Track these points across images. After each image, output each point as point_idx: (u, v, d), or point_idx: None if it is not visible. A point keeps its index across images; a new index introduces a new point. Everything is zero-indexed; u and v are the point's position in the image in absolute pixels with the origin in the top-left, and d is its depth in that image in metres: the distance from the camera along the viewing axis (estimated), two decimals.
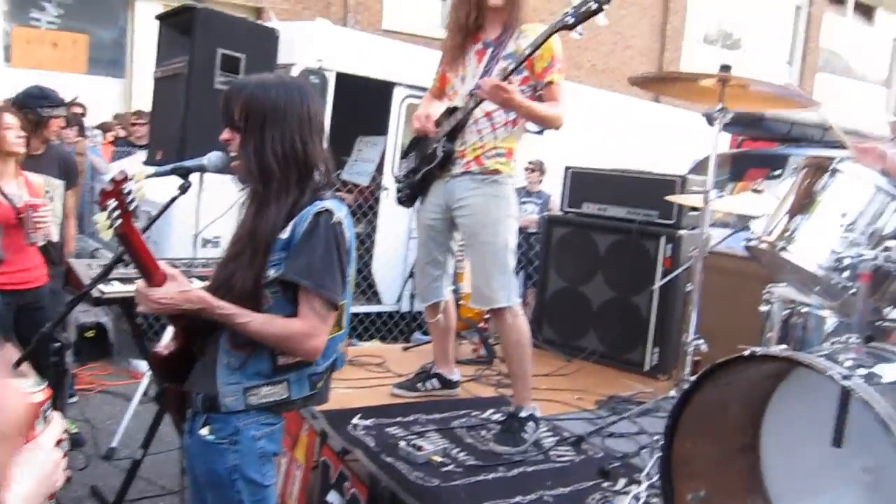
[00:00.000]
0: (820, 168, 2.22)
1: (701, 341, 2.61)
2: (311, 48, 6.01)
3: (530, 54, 2.91)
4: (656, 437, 2.93)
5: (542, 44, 2.89)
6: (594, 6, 2.73)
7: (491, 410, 3.39)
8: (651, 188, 4.39)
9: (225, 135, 1.97)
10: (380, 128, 6.96)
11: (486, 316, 4.48)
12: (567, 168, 4.75)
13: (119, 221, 1.74)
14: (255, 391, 1.93)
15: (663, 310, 4.22)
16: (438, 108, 3.35)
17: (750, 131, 7.04)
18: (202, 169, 2.04)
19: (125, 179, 1.72)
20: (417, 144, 3.35)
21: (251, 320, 1.87)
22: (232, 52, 4.37)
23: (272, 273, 1.89)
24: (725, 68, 2.58)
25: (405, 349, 4.53)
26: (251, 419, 1.92)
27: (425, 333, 5.61)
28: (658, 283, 3.51)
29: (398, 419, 3.19)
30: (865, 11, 17.09)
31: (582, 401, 3.72)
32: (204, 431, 1.92)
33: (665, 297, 4.18)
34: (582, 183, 4.71)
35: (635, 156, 7.28)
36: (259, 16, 10.15)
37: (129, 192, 1.73)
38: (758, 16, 15.23)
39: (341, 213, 1.95)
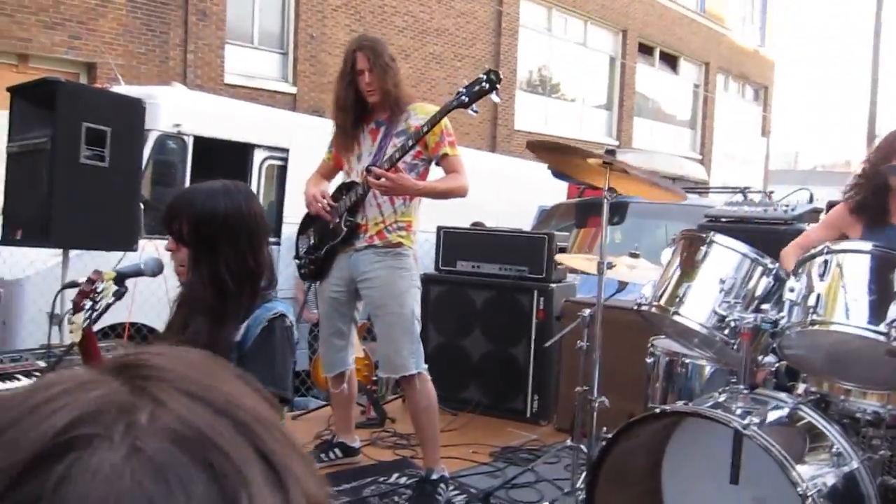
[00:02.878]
0: (697, 239, 2.56)
1: (603, 398, 2.87)
2: (167, 113, 5.89)
3: (413, 145, 3.08)
4: (565, 489, 3.15)
5: (434, 126, 3.08)
6: (487, 86, 2.95)
7: (396, 475, 3.49)
8: (521, 245, 4.70)
9: (170, 245, 1.97)
10: None
11: (374, 378, 4.58)
12: (439, 228, 4.97)
13: (89, 321, 1.73)
14: None
15: (540, 359, 4.51)
16: (326, 187, 3.46)
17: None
18: (139, 273, 2.04)
19: (99, 279, 1.72)
20: (313, 222, 3.42)
21: None
22: (97, 126, 4.24)
23: None
24: (610, 152, 2.89)
25: (294, 418, 4.52)
26: None
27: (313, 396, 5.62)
28: (551, 341, 3.76)
29: None
30: (670, 61, 18.90)
31: (477, 454, 3.90)
32: None
33: (540, 347, 4.47)
34: (454, 242, 4.94)
35: (481, 206, 7.60)
36: (92, 73, 9.74)
37: (101, 292, 1.73)
38: (577, 65, 16.44)
39: (292, 315, 2.03)
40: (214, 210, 1.91)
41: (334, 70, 12.08)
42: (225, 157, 6.46)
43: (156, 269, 2.03)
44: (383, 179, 3.01)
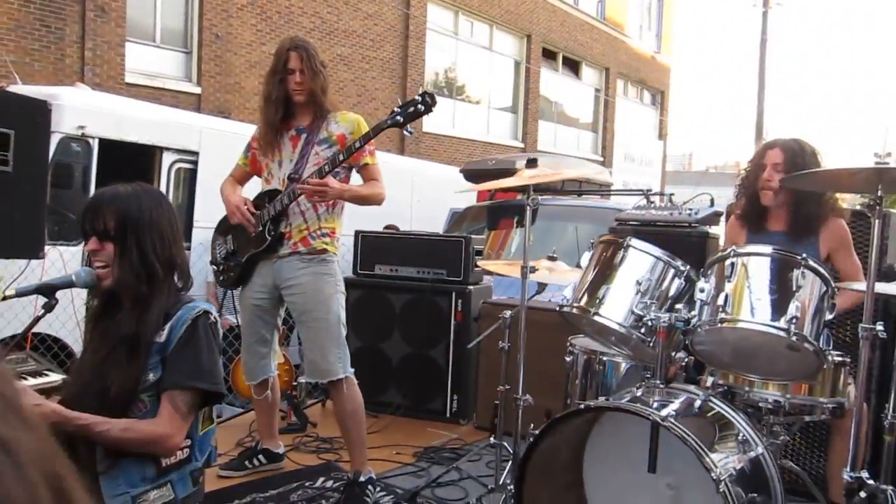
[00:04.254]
0: (615, 243, 2.70)
1: (528, 397, 2.98)
2: (71, 114, 5.68)
3: (345, 158, 3.13)
4: (489, 484, 3.24)
5: (362, 144, 3.12)
6: (422, 108, 3.02)
7: (322, 479, 3.51)
8: (439, 248, 4.79)
9: (92, 245, 1.99)
10: None
11: (294, 383, 4.58)
12: (357, 232, 4.99)
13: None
14: (143, 498, 1.94)
15: (458, 360, 4.61)
16: (241, 192, 3.45)
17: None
18: (70, 285, 2.01)
19: None
20: (231, 228, 3.40)
21: (110, 427, 1.89)
22: (0, 129, 4.08)
23: (151, 377, 1.95)
24: (532, 162, 3.00)
25: None
26: None
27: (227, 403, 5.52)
28: (474, 342, 3.85)
29: (235, 503, 3.20)
30: (572, 66, 19.46)
31: (400, 455, 3.96)
32: None
33: (459, 348, 4.57)
34: (372, 246, 4.98)
35: (393, 210, 7.66)
36: None
37: None
38: (483, 69, 16.72)
39: (215, 313, 2.07)
40: (139, 203, 2.01)
41: (240, 70, 11.93)
42: (132, 161, 6.28)
43: (87, 280, 2.00)
44: (311, 186, 3.05)
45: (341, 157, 3.11)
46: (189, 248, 6.31)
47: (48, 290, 1.99)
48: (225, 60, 11.52)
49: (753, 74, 19.35)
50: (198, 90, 11.25)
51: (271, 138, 3.31)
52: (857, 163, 2.19)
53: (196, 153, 6.53)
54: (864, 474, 2.33)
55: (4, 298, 1.95)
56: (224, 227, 3.48)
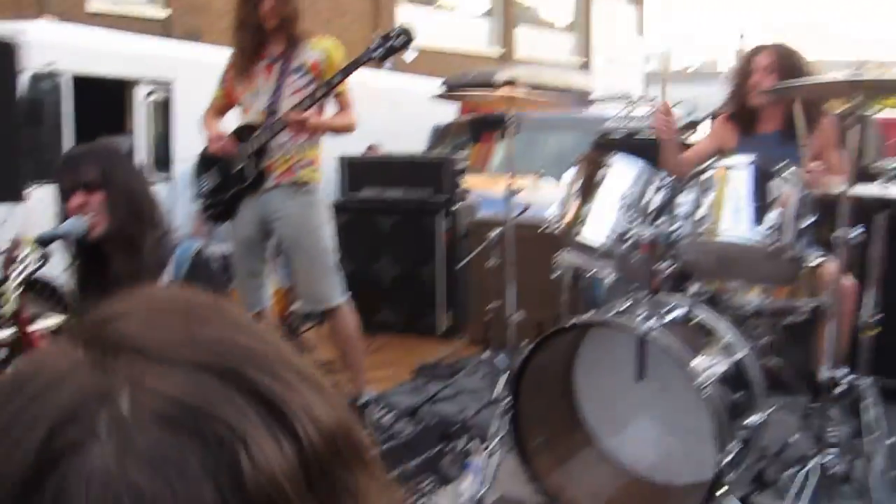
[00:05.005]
0: (597, 161, 2.73)
1: (521, 312, 3.07)
2: (37, 51, 5.53)
3: (324, 94, 3.10)
4: (485, 398, 3.37)
5: (339, 81, 3.09)
6: (399, 43, 2.98)
7: None
8: (423, 169, 4.80)
9: (78, 199, 2.01)
10: (117, 127, 6.60)
11: (289, 311, 4.65)
12: (341, 157, 4.98)
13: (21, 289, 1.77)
14: None
15: (449, 278, 4.69)
16: (221, 125, 3.42)
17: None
18: (62, 236, 2.03)
19: (19, 246, 1.75)
20: (215, 161, 3.39)
21: None
22: None
23: None
24: (510, 82, 2.99)
25: None
26: None
27: None
28: (462, 262, 3.91)
29: None
30: None
31: (398, 373, 4.08)
32: None
33: (450, 265, 4.64)
34: (356, 169, 4.98)
35: (375, 128, 7.59)
36: None
37: (24, 259, 1.77)
38: None
39: (207, 249, 2.25)
40: (108, 151, 2.12)
41: None
42: (105, 94, 6.17)
43: (80, 230, 2.02)
44: (295, 120, 3.05)
45: (320, 93, 3.08)
46: (171, 181, 6.28)
47: (42, 242, 2.00)
48: None
49: None
50: (165, 13, 10.91)
51: (245, 66, 3.27)
52: (839, 74, 2.21)
53: (170, 84, 6.40)
54: (843, 371, 2.43)
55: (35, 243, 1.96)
56: (207, 161, 3.47)
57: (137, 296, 0.45)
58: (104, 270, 2.08)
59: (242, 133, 3.29)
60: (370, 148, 7.35)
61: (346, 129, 3.30)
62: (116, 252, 2.06)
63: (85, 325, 0.42)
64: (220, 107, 3.48)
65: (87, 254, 2.11)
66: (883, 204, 2.71)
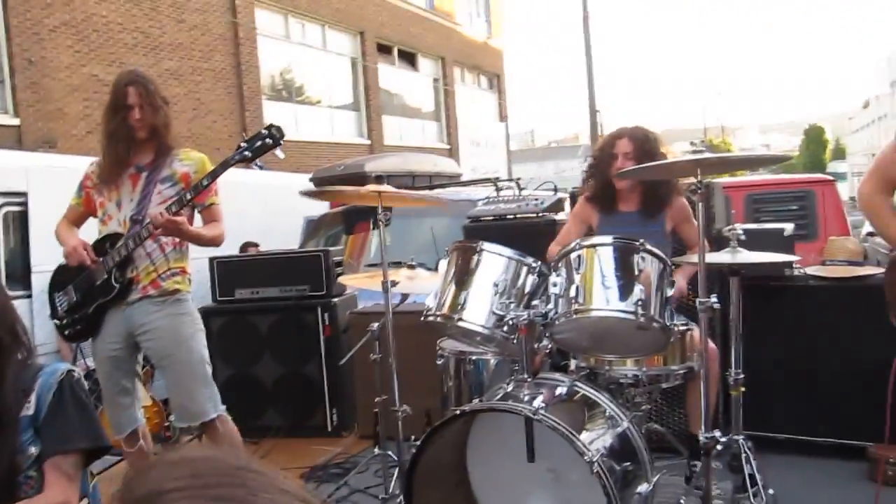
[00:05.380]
0: (468, 249, 2.80)
1: (406, 407, 3.05)
2: None
3: (191, 199, 3.05)
4: (380, 496, 3.29)
5: (209, 182, 3.05)
6: (270, 142, 2.99)
7: None
8: (298, 265, 4.75)
9: None
10: None
11: (166, 424, 4.42)
12: (211, 259, 4.87)
13: None
14: None
15: (333, 374, 4.61)
16: (76, 236, 3.29)
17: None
18: None
19: None
20: (72, 277, 3.22)
21: None
22: None
23: (32, 450, 1.88)
24: (379, 178, 3.05)
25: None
26: None
27: None
28: (345, 358, 3.85)
29: None
30: (408, 58, 19.64)
31: (287, 479, 3.91)
32: None
33: (332, 362, 4.57)
34: (229, 270, 4.87)
35: (247, 224, 7.48)
36: None
37: None
38: (320, 69, 16.57)
39: (77, 370, 2.04)
40: None
41: (61, 96, 11.23)
42: None
43: None
44: (165, 221, 2.96)
45: (188, 196, 3.03)
46: (30, 297, 5.92)
47: None
48: (43, 87, 10.78)
49: (581, 49, 20.31)
50: (16, 121, 10.47)
51: (110, 176, 3.17)
52: (680, 156, 2.39)
53: (25, 194, 6.10)
54: (717, 433, 2.55)
55: None
56: (62, 278, 3.28)
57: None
58: None
59: (104, 244, 3.16)
60: (247, 244, 7.22)
61: (214, 240, 3.24)
62: None
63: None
64: (76, 216, 3.33)
65: None
66: (734, 270, 2.91)
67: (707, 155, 2.48)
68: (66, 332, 3.29)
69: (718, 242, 3.61)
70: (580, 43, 20.20)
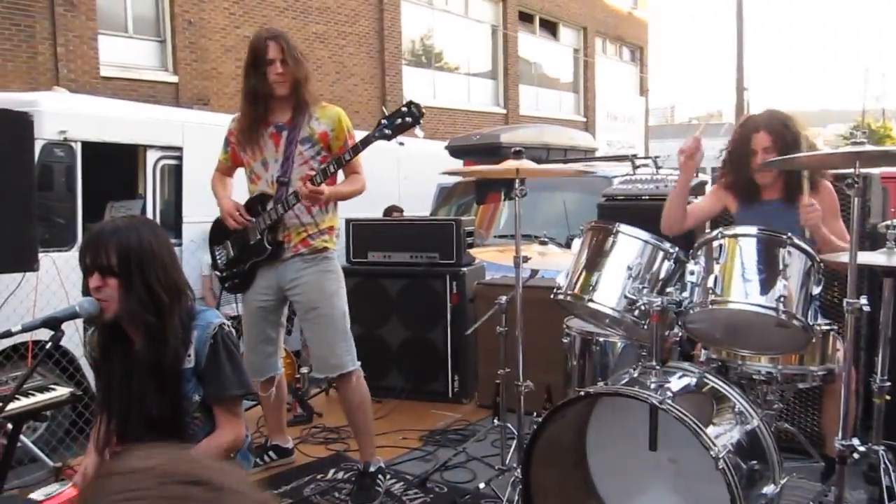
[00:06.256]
0: (604, 230, 2.76)
1: (529, 383, 3.07)
2: (51, 120, 5.65)
3: (336, 170, 3.14)
4: (497, 466, 3.34)
5: (352, 157, 3.15)
6: (409, 120, 3.03)
7: (333, 470, 3.60)
8: (430, 232, 4.84)
9: (95, 281, 2.05)
10: (128, 191, 6.69)
11: (298, 375, 4.64)
12: (347, 221, 5.02)
13: None
14: None
15: (457, 341, 4.68)
16: (231, 186, 3.47)
17: (488, 158, 7.80)
18: (75, 316, 2.05)
19: None
20: (229, 233, 3.41)
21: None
22: None
23: (196, 398, 2.13)
24: (518, 153, 3.04)
25: None
26: None
27: None
28: (472, 328, 3.90)
29: None
30: (550, 27, 19.35)
31: (407, 440, 4.05)
32: None
33: (457, 329, 4.64)
34: (363, 233, 5.02)
35: (383, 190, 7.65)
36: None
37: None
38: (460, 36, 16.61)
39: (227, 323, 2.25)
40: (139, 237, 2.08)
41: (216, 56, 11.81)
42: (116, 161, 6.28)
43: (91, 311, 2.05)
44: (309, 192, 3.08)
45: (332, 169, 3.12)
46: (181, 245, 6.33)
47: (54, 323, 2.03)
48: (200, 47, 11.39)
49: (731, 22, 19.33)
50: (174, 79, 11.14)
51: (252, 134, 3.28)
52: (833, 141, 2.24)
53: (180, 148, 6.51)
54: (855, 441, 2.42)
55: (11, 334, 1.99)
56: (220, 233, 3.49)
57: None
58: (127, 347, 2.13)
59: (255, 204, 3.31)
60: (391, 208, 7.44)
61: (356, 193, 3.34)
62: (136, 334, 2.10)
63: None
64: (226, 169, 3.50)
65: (109, 330, 2.14)
66: (888, 271, 2.72)
67: (868, 148, 2.30)
68: (226, 285, 3.50)
69: (873, 239, 3.38)
70: (728, 16, 19.21)
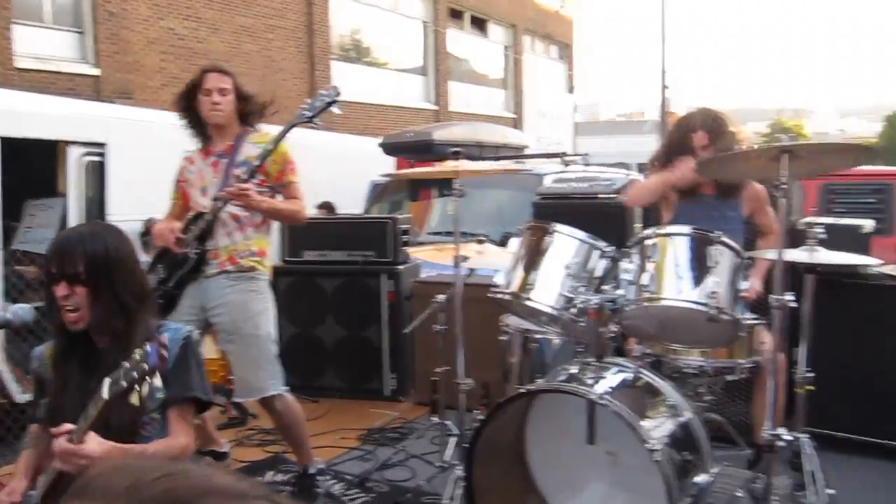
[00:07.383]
0: (541, 229, 2.81)
1: (469, 380, 3.09)
2: None
3: (258, 165, 3.11)
4: (437, 464, 3.36)
5: (275, 147, 3.12)
6: (328, 100, 3.07)
7: (270, 473, 3.56)
8: (365, 230, 4.83)
9: (62, 290, 1.98)
10: (48, 189, 6.45)
11: (231, 377, 4.55)
12: None
13: None
14: None
15: (394, 340, 4.69)
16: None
17: (421, 155, 7.83)
18: (6, 325, 1.98)
19: None
20: (162, 258, 3.31)
21: (153, 452, 2.03)
22: None
23: (159, 395, 2.08)
24: (456, 153, 3.07)
25: None
26: None
27: None
28: (411, 326, 3.89)
29: None
30: (480, 24, 19.47)
31: (345, 439, 4.03)
32: None
33: (394, 327, 4.65)
34: (299, 232, 4.96)
35: (315, 186, 7.57)
36: None
37: None
38: (390, 32, 16.56)
39: (192, 327, 2.31)
40: (105, 244, 2.04)
41: (139, 48, 11.47)
42: (38, 157, 6.03)
43: (25, 318, 1.97)
44: (236, 188, 3.03)
45: (257, 163, 3.09)
46: None
47: None
48: (122, 38, 11.02)
49: (657, 21, 19.84)
50: (96, 72, 10.75)
51: (196, 170, 3.29)
52: (752, 139, 2.34)
53: (103, 145, 6.29)
54: (782, 430, 2.53)
55: None
56: (155, 260, 3.39)
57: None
58: (87, 355, 2.07)
59: (189, 224, 3.23)
60: (323, 204, 7.35)
61: (293, 215, 3.30)
62: (102, 341, 2.06)
63: None
64: (178, 212, 3.39)
65: (71, 337, 2.08)
66: (809, 268, 2.86)
67: (792, 143, 2.41)
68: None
69: (793, 236, 3.53)
70: (652, 16, 19.71)
